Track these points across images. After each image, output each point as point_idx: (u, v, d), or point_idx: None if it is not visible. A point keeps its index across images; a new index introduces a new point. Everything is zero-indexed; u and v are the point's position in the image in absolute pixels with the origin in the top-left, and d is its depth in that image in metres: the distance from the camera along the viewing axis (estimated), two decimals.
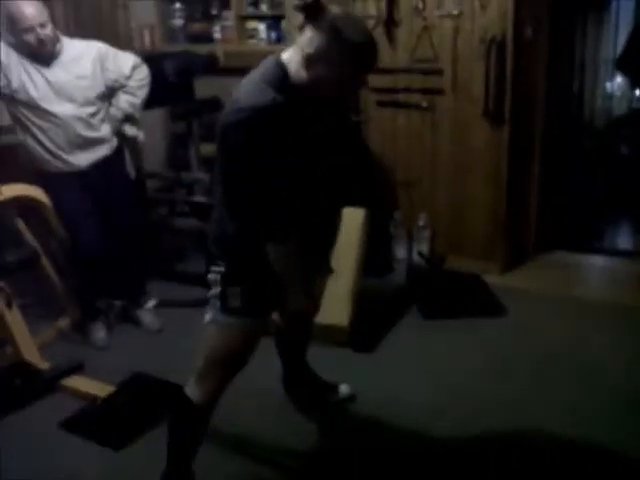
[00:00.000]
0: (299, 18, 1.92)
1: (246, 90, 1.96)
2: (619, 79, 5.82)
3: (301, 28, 1.93)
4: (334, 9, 1.93)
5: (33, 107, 3.23)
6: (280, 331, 2.80)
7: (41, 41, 3.13)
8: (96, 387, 3.13)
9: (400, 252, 4.36)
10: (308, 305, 2.44)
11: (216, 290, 2.14)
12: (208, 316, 2.18)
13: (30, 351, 3.19)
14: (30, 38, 3.10)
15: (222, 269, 2.12)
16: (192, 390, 2.27)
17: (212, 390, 2.26)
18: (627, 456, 2.57)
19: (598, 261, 4.56)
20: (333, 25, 1.88)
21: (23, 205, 3.37)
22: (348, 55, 1.89)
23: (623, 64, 5.49)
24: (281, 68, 1.97)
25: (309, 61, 1.91)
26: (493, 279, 4.12)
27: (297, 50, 1.95)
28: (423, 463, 2.62)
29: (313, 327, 2.85)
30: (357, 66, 1.96)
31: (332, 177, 2.29)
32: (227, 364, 2.24)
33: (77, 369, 3.26)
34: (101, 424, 2.94)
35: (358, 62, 1.94)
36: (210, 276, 2.15)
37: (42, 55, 3.19)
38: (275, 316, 2.32)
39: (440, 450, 2.68)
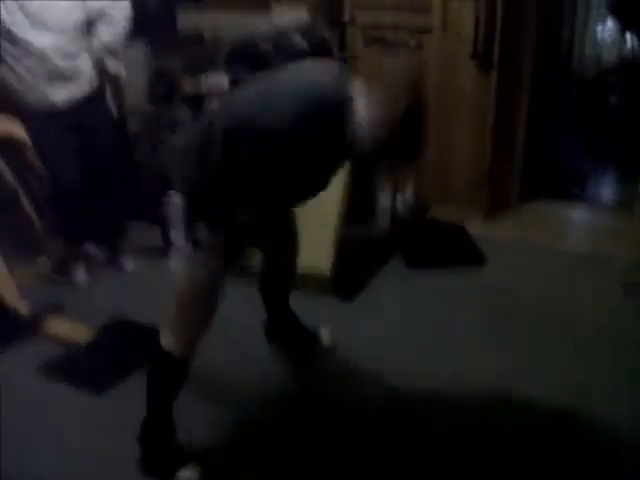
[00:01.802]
0: None
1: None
2: (610, 24, 5.72)
3: None
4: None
5: (7, 36, 3.08)
6: (263, 275, 2.81)
7: None
8: (76, 331, 3.12)
9: (384, 199, 4.32)
10: (286, 238, 2.42)
11: (178, 227, 2.08)
12: (174, 262, 2.14)
13: (9, 291, 3.15)
14: None
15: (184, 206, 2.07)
16: (167, 340, 2.22)
17: (187, 338, 2.22)
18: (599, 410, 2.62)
19: (581, 211, 4.58)
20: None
21: (2, 143, 3.27)
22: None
23: (616, 7, 5.40)
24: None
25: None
26: (476, 228, 4.12)
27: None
28: (401, 413, 2.65)
29: (295, 270, 2.84)
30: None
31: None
32: (196, 305, 2.18)
33: (56, 310, 3.25)
34: (82, 368, 2.94)
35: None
36: (167, 209, 2.11)
37: None
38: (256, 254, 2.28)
39: (419, 402, 2.71)
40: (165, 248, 3.37)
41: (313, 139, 1.96)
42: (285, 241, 2.73)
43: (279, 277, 2.86)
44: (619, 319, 3.21)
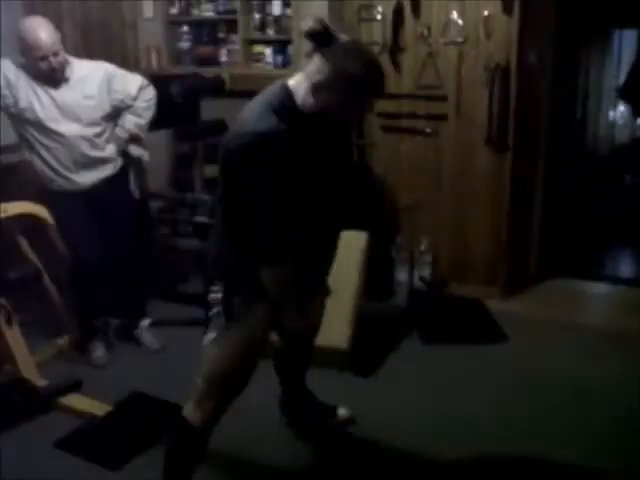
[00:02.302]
0: (308, 45, 1.94)
1: (250, 115, 1.98)
2: (622, 108, 5.84)
3: (309, 55, 1.95)
4: (342, 37, 1.96)
5: (39, 126, 3.25)
6: (279, 353, 2.80)
7: (53, 69, 3.17)
8: (94, 406, 3.12)
9: (401, 276, 4.34)
10: (306, 325, 2.45)
11: (217, 309, 2.13)
12: (209, 336, 2.18)
13: (28, 368, 3.17)
14: (43, 65, 3.14)
15: (221, 289, 2.13)
16: (190, 412, 2.24)
17: (211, 411, 2.24)
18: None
19: (600, 289, 4.55)
20: (341, 53, 1.91)
21: (26, 223, 3.37)
22: (356, 84, 1.93)
23: (626, 93, 5.52)
24: (288, 94, 1.99)
25: (317, 89, 1.94)
26: (494, 305, 4.11)
27: (305, 77, 1.97)
28: None
29: (313, 349, 2.84)
30: (365, 94, 1.99)
31: (332, 200, 2.31)
32: (228, 381, 2.22)
33: (75, 387, 3.25)
34: (98, 443, 2.92)
35: (366, 90, 1.97)
36: (211, 296, 2.16)
37: (52, 79, 3.23)
38: (273, 335, 2.32)
39: (439, 476, 2.66)
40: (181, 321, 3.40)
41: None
42: (304, 327, 2.68)
43: (296, 358, 2.86)
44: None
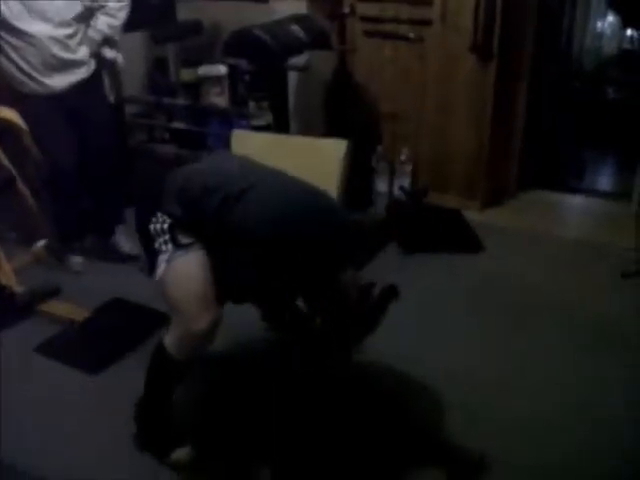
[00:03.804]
0: None
1: None
2: (610, 17, 5.72)
3: None
4: None
5: (5, 25, 3.10)
6: None
7: None
8: (73, 311, 3.13)
9: (381, 186, 4.33)
10: None
11: (163, 239, 2.07)
12: (159, 270, 2.08)
13: (6, 275, 3.17)
14: None
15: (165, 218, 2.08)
16: (168, 340, 2.17)
17: (188, 343, 2.14)
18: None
19: (578, 201, 4.59)
20: None
21: None
22: None
23: (616, 1, 5.40)
24: None
25: None
26: (473, 216, 4.14)
27: None
28: (390, 402, 2.63)
29: None
30: None
31: None
32: (193, 309, 2.09)
33: (53, 293, 3.26)
34: (77, 348, 2.96)
35: None
36: (153, 227, 2.08)
37: None
38: None
39: (408, 390, 2.70)
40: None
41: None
42: None
43: None
44: (617, 304, 3.22)
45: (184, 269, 2.07)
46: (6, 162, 3.35)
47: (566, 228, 4.17)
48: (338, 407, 2.54)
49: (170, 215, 2.07)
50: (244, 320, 2.92)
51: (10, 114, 3.25)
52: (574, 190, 4.67)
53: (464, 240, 3.89)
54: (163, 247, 2.06)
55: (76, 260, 3.60)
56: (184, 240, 2.06)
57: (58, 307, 3.17)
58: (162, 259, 2.06)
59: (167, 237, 2.05)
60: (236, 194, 2.00)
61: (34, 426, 2.48)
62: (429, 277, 3.50)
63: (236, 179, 2.08)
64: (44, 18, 3.14)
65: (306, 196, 2.10)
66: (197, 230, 2.08)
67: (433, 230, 3.96)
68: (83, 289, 3.36)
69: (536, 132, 4.50)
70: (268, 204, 2.00)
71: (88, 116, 3.42)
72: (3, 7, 3.07)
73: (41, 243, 3.61)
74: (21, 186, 3.43)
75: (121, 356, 2.85)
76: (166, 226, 2.06)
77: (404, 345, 2.88)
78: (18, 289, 3.17)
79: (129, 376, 2.42)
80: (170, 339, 2.17)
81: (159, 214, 2.08)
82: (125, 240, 3.74)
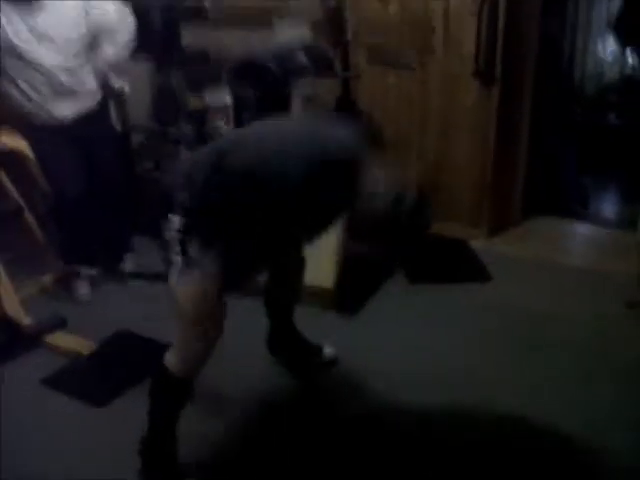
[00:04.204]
0: None
1: None
2: (612, 43, 5.74)
3: None
4: None
5: (17, 55, 3.11)
6: (269, 286, 2.82)
7: None
8: (79, 344, 3.13)
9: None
10: (293, 260, 2.49)
11: (176, 250, 2.09)
12: (172, 278, 2.12)
13: (13, 306, 3.16)
14: None
15: (178, 226, 2.09)
16: (171, 361, 2.21)
17: (189, 359, 2.21)
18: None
19: (583, 229, 4.57)
20: None
21: (6, 158, 3.30)
22: None
23: (619, 26, 5.41)
24: None
25: None
26: (479, 244, 4.13)
27: None
28: (397, 429, 2.63)
29: (301, 288, 2.85)
30: None
31: None
32: (198, 324, 2.15)
33: (60, 325, 3.25)
34: (84, 381, 2.95)
35: None
36: (168, 234, 2.10)
37: None
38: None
39: (414, 418, 2.69)
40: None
41: (319, 197, 2.01)
42: (290, 265, 2.76)
43: (284, 294, 2.87)
44: (621, 335, 3.21)
45: (190, 290, 2.11)
46: (13, 192, 3.37)
47: (571, 256, 4.16)
48: (344, 446, 2.54)
49: (180, 206, 2.10)
50: (251, 355, 2.97)
51: (16, 142, 3.27)
52: (579, 217, 4.66)
53: (470, 269, 3.88)
54: (175, 258, 2.10)
55: (83, 291, 3.60)
56: (194, 254, 2.07)
57: (64, 339, 3.16)
58: (174, 270, 2.11)
59: (178, 249, 2.08)
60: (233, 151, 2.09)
61: (37, 458, 2.47)
62: (435, 307, 3.49)
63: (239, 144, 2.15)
64: (50, 44, 3.15)
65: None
66: (205, 221, 2.10)
67: (439, 260, 3.96)
68: (90, 320, 3.35)
69: (538, 158, 4.50)
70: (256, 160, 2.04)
71: (95, 145, 3.44)
72: (10, 32, 3.08)
73: (48, 274, 3.60)
74: (28, 216, 3.45)
75: (127, 389, 2.84)
76: (177, 235, 2.08)
77: (411, 372, 2.90)
78: (25, 321, 3.16)
79: (135, 409, 2.40)
80: (172, 357, 2.21)
81: (170, 216, 2.09)
82: (133, 268, 3.74)
